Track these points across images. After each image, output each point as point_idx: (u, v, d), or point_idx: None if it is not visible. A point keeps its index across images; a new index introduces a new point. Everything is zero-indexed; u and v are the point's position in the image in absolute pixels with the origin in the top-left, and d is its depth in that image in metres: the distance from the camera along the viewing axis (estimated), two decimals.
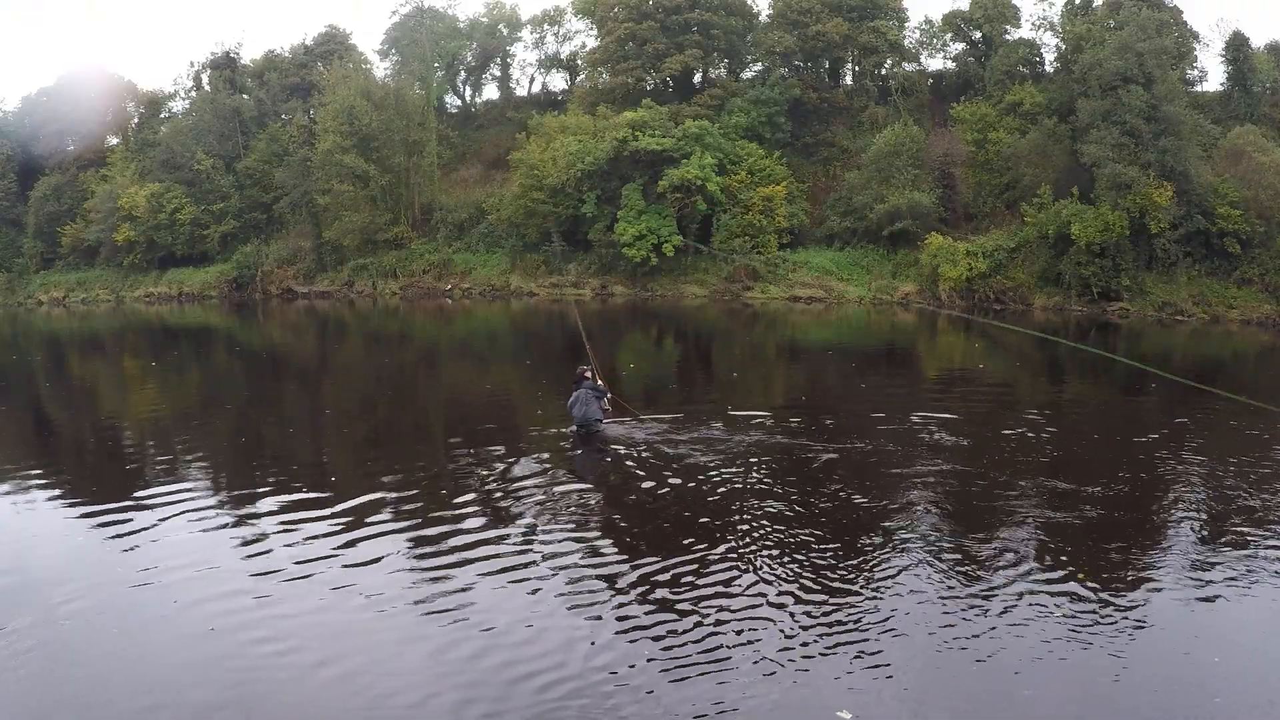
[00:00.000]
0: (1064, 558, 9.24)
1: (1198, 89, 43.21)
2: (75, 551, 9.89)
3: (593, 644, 7.53)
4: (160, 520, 10.76)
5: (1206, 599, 8.35)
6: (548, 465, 13.10)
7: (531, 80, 62.24)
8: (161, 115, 60.99)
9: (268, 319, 42.88)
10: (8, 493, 12.40)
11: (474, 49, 59.21)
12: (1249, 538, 9.87)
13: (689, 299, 42.62)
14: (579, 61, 57.75)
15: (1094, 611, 8.03)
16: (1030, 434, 14.91)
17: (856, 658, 7.28)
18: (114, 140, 61.06)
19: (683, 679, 6.97)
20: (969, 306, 38.37)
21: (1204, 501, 11.38)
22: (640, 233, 42.59)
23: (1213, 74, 45.32)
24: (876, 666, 7.15)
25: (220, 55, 59.37)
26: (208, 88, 58.61)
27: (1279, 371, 25.98)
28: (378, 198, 49.25)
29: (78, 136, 60.16)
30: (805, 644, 7.48)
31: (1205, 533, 10.18)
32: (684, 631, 7.71)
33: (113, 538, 10.20)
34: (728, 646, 7.43)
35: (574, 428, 14.49)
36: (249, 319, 43.42)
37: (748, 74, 51.85)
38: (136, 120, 61.37)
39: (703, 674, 7.03)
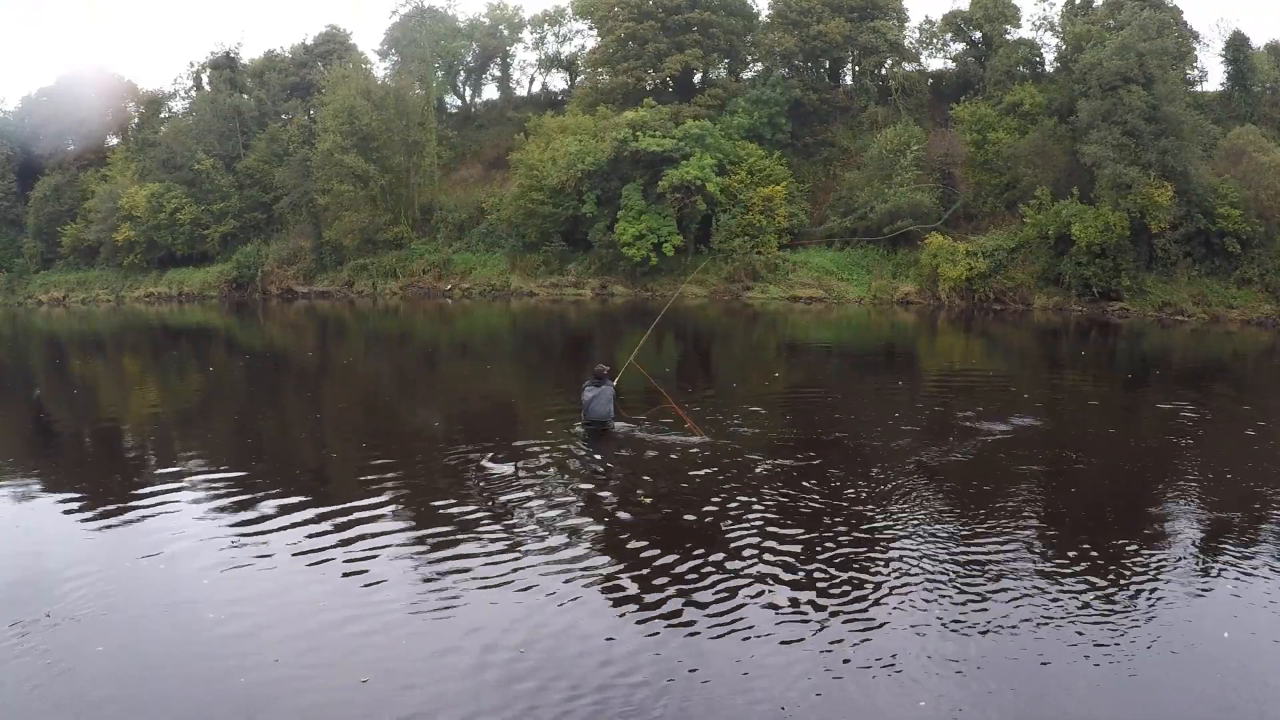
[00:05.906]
0: (1070, 554, 9.27)
1: (1198, 89, 43.18)
2: (79, 549, 9.89)
3: (608, 640, 7.56)
4: (162, 517, 10.76)
5: (1218, 593, 8.38)
6: (553, 463, 13.09)
7: (531, 80, 62.34)
8: (161, 115, 60.88)
9: (268, 319, 42.85)
10: (10, 491, 12.40)
11: (474, 49, 59.20)
12: (1262, 533, 9.90)
13: (689, 299, 42.58)
14: (579, 62, 57.77)
15: (1104, 611, 8.06)
16: (1033, 430, 14.94)
17: (861, 660, 7.30)
18: (114, 140, 61.02)
19: (697, 679, 6.99)
20: (969, 307, 38.40)
21: (1212, 497, 11.40)
22: (640, 233, 42.61)
23: (1213, 74, 45.25)
24: (886, 669, 7.17)
25: (220, 55, 59.29)
26: (208, 88, 58.55)
27: (1277, 371, 26.01)
28: (378, 198, 49.23)
29: (78, 136, 60.10)
30: (813, 641, 7.51)
31: (1217, 529, 10.21)
32: (692, 625, 7.74)
33: (116, 535, 10.22)
34: (741, 643, 7.46)
35: (582, 424, 14.44)
36: (249, 319, 43.39)
37: (748, 74, 51.84)
38: (136, 120, 61.26)
39: (719, 674, 7.05)
